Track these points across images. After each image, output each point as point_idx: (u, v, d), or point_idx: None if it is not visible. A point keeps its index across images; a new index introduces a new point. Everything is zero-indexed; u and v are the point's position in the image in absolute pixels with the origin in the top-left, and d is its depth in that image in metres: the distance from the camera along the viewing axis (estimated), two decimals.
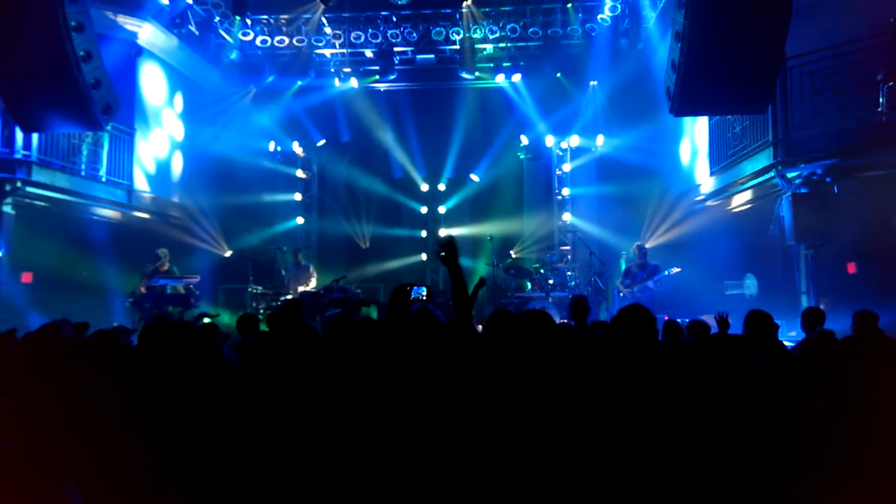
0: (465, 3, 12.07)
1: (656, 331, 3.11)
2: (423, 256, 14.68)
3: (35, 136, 9.15)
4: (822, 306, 8.62)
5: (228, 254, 12.99)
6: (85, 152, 10.45)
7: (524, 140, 14.17)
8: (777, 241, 9.32)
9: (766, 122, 9.03)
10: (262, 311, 11.10)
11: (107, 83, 7.69)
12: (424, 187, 14.86)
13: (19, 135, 8.92)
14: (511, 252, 13.44)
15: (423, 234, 14.79)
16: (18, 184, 8.94)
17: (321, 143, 14.50)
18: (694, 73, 6.94)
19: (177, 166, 12.98)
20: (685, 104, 7.37)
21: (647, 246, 10.87)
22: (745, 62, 6.85)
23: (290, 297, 11.21)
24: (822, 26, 8.72)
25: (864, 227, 8.46)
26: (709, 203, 11.41)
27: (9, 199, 8.97)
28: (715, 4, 6.61)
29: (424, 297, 4.11)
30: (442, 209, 14.81)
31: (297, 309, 4.33)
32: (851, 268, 9.10)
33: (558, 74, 13.31)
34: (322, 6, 11.98)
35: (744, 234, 10.54)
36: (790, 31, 6.63)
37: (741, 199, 10.53)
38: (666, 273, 9.98)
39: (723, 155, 10.61)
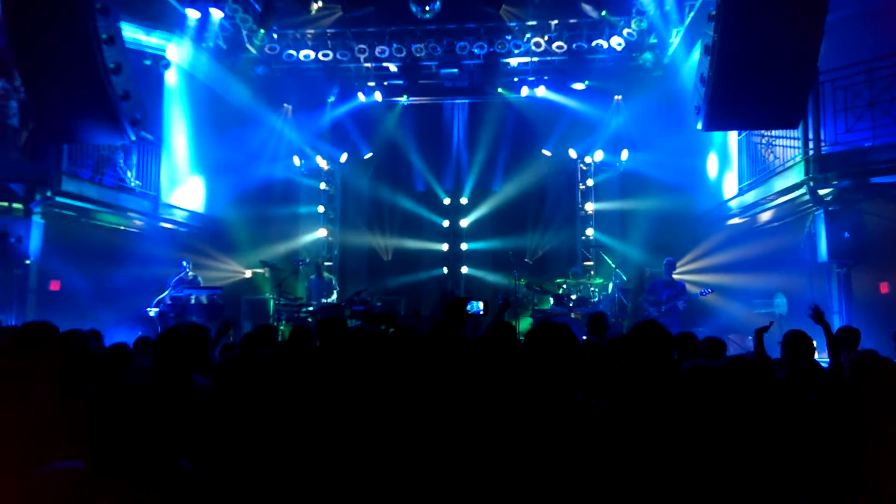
0: (502, 8, 11.90)
1: (672, 349, 3.03)
2: (445, 270, 14.64)
3: (65, 147, 9.29)
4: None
5: (249, 274, 13.07)
6: (121, 161, 10.62)
7: (547, 154, 14.11)
8: (808, 259, 9.11)
9: (797, 138, 8.87)
10: (283, 322, 11.11)
11: (135, 95, 7.79)
12: (447, 201, 14.85)
13: (49, 145, 9.06)
14: (526, 259, 13.38)
15: (445, 247, 14.75)
16: (48, 193, 9.06)
17: (344, 156, 14.58)
18: (724, 87, 6.84)
19: (202, 178, 13.11)
20: (714, 119, 7.26)
21: (677, 264, 10.71)
22: (776, 76, 6.73)
23: (311, 308, 11.23)
24: (855, 41, 8.58)
25: None
26: (737, 220, 11.22)
27: (38, 209, 9.09)
28: (746, 18, 6.52)
29: (482, 313, 4.07)
30: (464, 222, 14.78)
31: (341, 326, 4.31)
32: (884, 287, 8.88)
33: (583, 86, 13.23)
34: (341, 13, 12.03)
35: (773, 252, 10.33)
36: (823, 45, 6.51)
37: (771, 216, 10.33)
38: (699, 295, 9.83)
39: (752, 171, 10.44)
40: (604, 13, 11.63)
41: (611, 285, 11.82)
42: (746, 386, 2.61)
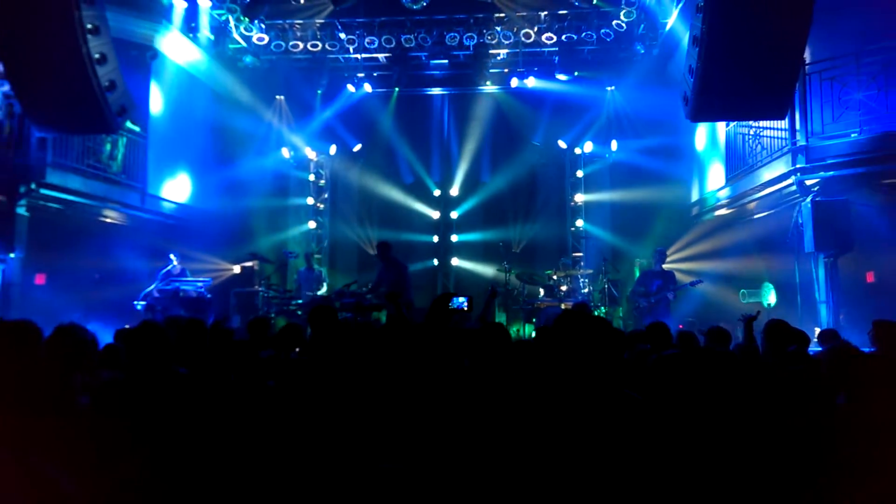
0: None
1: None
2: (435, 261, 14.64)
3: (49, 139, 9.18)
4: (840, 316, 8.50)
5: (238, 269, 12.98)
6: (107, 152, 10.51)
7: (537, 145, 14.12)
8: (795, 249, 9.18)
9: (784, 129, 8.91)
10: (272, 315, 11.07)
11: (121, 86, 7.70)
12: (436, 192, 14.83)
13: (34, 136, 8.95)
14: (512, 249, 13.38)
15: (435, 239, 14.74)
16: (32, 185, 8.95)
17: (333, 148, 14.51)
18: (711, 78, 6.83)
19: (191, 170, 13.00)
20: (702, 110, 7.26)
21: (667, 254, 10.75)
22: (763, 67, 6.74)
23: (300, 301, 11.20)
24: (843, 31, 8.60)
25: (884, 236, 8.31)
26: (725, 210, 11.28)
27: (23, 201, 8.98)
28: (733, 9, 6.51)
29: (466, 308, 4.05)
30: (454, 214, 14.76)
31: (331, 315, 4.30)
32: (870, 277, 8.95)
33: (573, 77, 13.22)
34: (332, 6, 11.93)
35: (761, 242, 10.40)
36: (810, 36, 6.52)
37: (759, 207, 10.39)
38: (688, 285, 9.88)
39: (740, 161, 10.48)
40: (595, 1, 11.57)
41: (600, 276, 11.86)
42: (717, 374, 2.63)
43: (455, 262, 14.59)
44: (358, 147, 14.61)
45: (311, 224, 14.62)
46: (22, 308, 8.76)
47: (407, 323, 3.61)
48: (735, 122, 10.43)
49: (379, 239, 14.68)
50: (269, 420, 2.93)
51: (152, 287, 10.06)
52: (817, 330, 7.47)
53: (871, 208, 8.43)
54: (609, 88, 13.67)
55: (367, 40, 12.85)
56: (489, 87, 13.77)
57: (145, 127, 11.45)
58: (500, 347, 3.11)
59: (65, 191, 9.59)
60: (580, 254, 13.67)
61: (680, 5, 10.92)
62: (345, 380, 3.35)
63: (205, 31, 12.27)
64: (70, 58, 7.03)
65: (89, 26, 7.08)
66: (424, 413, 2.89)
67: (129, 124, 9.99)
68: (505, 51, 13.10)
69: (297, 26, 12.98)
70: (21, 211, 9.00)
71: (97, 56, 7.19)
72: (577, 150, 14.12)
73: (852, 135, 8.28)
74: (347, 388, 3.23)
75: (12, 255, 8.82)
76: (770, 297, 10.02)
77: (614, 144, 13.58)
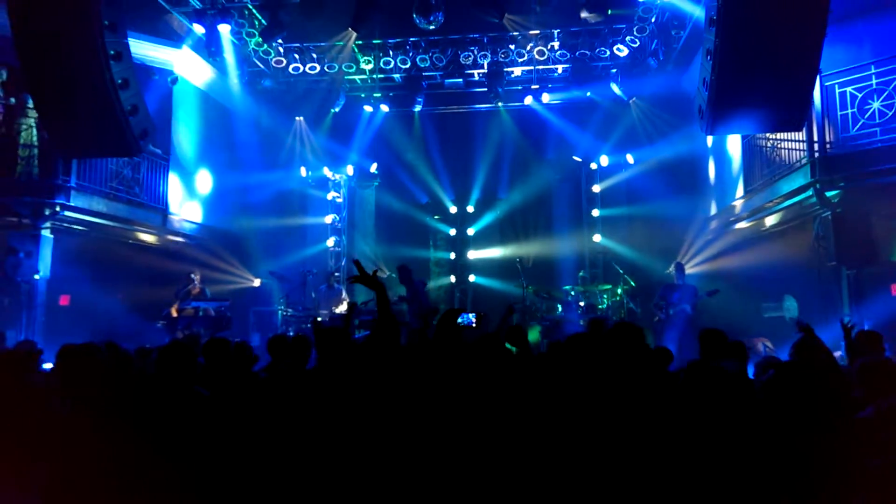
0: (505, 17, 11.74)
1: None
2: (452, 278, 14.65)
3: (74, 162, 9.38)
4: (865, 329, 8.33)
5: (257, 283, 13.11)
6: (130, 177, 10.72)
7: (553, 161, 14.14)
8: (817, 261, 9.04)
9: (802, 140, 8.83)
10: (291, 333, 11.12)
11: (143, 110, 7.88)
12: (453, 209, 14.89)
13: (59, 160, 9.15)
14: (528, 264, 13.24)
15: (452, 255, 14.77)
16: (58, 208, 9.15)
17: (350, 168, 14.67)
18: (726, 90, 6.82)
19: (211, 191, 13.20)
20: (717, 122, 7.24)
21: (685, 268, 10.65)
22: (778, 79, 6.71)
23: (319, 318, 11.24)
24: (861, 40, 8.56)
25: None
26: (744, 223, 11.17)
27: (48, 224, 9.18)
28: (746, 21, 6.51)
29: (474, 325, 4.08)
30: (471, 231, 14.79)
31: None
32: (895, 289, 8.79)
33: (587, 93, 13.25)
34: (354, 34, 12.12)
35: (782, 255, 10.26)
36: (826, 46, 6.49)
37: (778, 219, 10.28)
38: (704, 296, 9.77)
39: (758, 174, 10.40)
40: (609, 11, 11.55)
41: (619, 291, 11.78)
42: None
43: (472, 278, 14.59)
44: (375, 166, 14.76)
45: (330, 242, 14.73)
46: (46, 329, 8.91)
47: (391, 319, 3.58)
48: (752, 134, 10.37)
49: (397, 257, 14.78)
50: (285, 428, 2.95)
51: (173, 307, 10.18)
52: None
53: (893, 219, 8.30)
54: (631, 100, 13.63)
55: (382, 61, 13.01)
56: (504, 105, 13.83)
57: (167, 150, 11.66)
58: (494, 357, 3.13)
59: (89, 213, 9.78)
60: (598, 269, 13.60)
61: (694, 19, 10.92)
62: (349, 394, 3.36)
63: (224, 55, 12.49)
64: (94, 84, 7.23)
65: (112, 53, 7.28)
66: (427, 427, 2.89)
67: (151, 147, 10.17)
68: (519, 69, 13.17)
69: (314, 49, 13.17)
70: (46, 233, 9.18)
71: (120, 81, 7.38)
72: (593, 165, 14.11)
73: (872, 145, 8.19)
74: (352, 403, 3.24)
75: (37, 277, 8.99)
76: (793, 311, 9.87)
77: (630, 158, 13.55)
